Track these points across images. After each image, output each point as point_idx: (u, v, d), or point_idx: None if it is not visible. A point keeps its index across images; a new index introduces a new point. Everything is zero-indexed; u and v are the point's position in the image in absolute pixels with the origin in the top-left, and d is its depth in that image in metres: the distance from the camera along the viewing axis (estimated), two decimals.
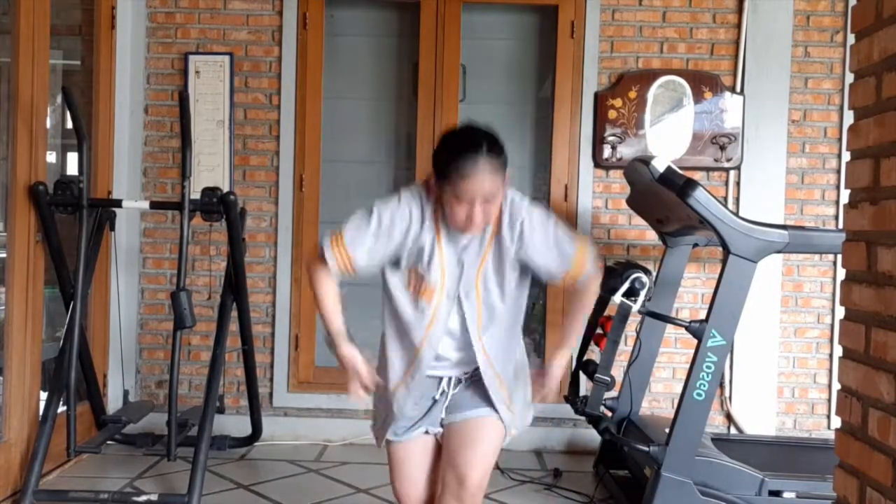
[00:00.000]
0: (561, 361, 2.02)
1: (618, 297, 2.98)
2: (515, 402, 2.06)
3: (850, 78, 1.63)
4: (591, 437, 3.61)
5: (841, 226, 3.55)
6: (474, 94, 3.86)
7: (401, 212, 1.89)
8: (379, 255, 1.91)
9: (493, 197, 1.83)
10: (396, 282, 1.96)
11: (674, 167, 2.82)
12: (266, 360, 3.77)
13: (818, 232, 3.07)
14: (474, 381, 2.02)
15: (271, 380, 3.78)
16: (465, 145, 1.83)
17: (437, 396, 2.02)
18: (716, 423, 3.71)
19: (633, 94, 3.70)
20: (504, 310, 1.98)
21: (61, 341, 2.98)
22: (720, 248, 2.79)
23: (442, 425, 2.03)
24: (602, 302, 3.34)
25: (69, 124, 3.00)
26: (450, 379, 2.03)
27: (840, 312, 1.82)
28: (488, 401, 1.99)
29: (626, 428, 3.24)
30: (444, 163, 1.83)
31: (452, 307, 1.95)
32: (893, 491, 1.33)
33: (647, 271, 3.02)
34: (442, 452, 2.02)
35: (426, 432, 2.04)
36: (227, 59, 3.73)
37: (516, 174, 3.96)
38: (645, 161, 2.90)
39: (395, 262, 1.95)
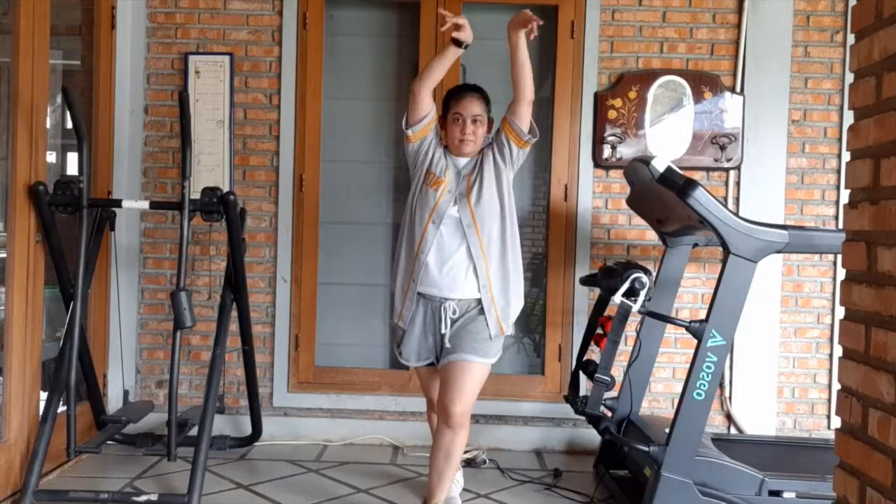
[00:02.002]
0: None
1: (618, 297, 2.98)
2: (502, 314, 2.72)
3: (850, 78, 1.63)
4: (591, 437, 3.62)
5: (841, 226, 3.55)
6: None
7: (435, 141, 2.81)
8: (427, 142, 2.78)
9: (480, 119, 2.73)
10: (418, 182, 2.76)
11: (674, 167, 2.82)
12: (266, 360, 3.77)
13: (818, 232, 3.07)
14: (468, 317, 2.70)
15: (271, 380, 3.78)
16: (460, 86, 2.89)
17: (444, 331, 2.69)
18: (716, 423, 3.71)
19: (633, 94, 3.70)
20: (492, 215, 2.69)
21: (61, 341, 2.98)
22: (720, 248, 2.79)
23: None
24: (602, 302, 3.35)
25: (69, 124, 3.00)
26: (449, 307, 2.69)
27: (840, 312, 1.82)
28: (473, 343, 2.66)
29: (626, 428, 3.24)
30: (446, 98, 2.80)
31: (451, 201, 2.69)
32: (893, 491, 1.33)
33: (647, 271, 3.02)
34: (441, 380, 2.74)
35: (432, 363, 2.81)
36: (227, 59, 3.73)
37: (516, 173, 3.96)
38: (645, 161, 2.90)
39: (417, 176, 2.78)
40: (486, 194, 2.70)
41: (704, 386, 2.69)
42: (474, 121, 2.71)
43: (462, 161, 2.78)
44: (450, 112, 2.75)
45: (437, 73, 2.66)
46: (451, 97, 2.78)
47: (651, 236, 3.63)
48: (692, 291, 3.73)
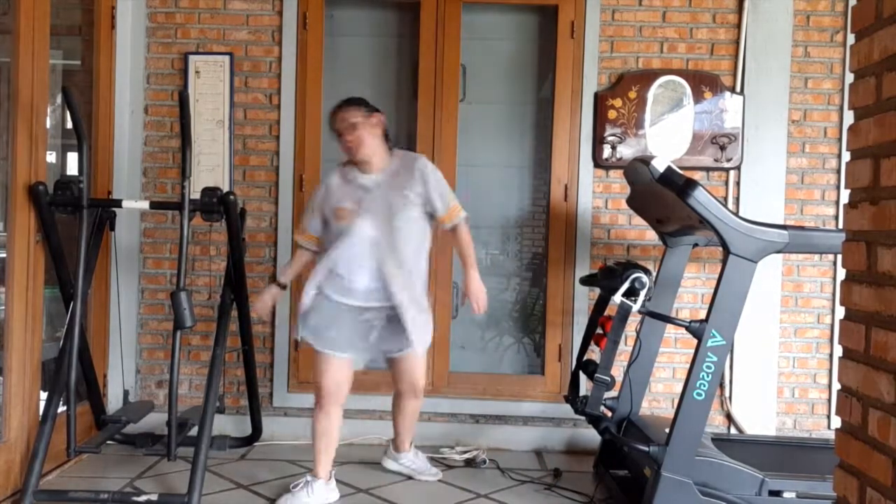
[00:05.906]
0: (474, 276, 2.96)
1: (618, 297, 2.98)
2: (418, 323, 2.88)
3: (850, 78, 1.63)
4: (591, 437, 3.62)
5: (841, 226, 3.55)
6: (474, 94, 3.86)
7: (320, 189, 3.03)
8: (319, 218, 3.00)
9: (356, 124, 2.87)
10: (331, 225, 2.93)
11: (674, 167, 2.82)
12: (266, 360, 3.77)
13: (818, 232, 3.07)
14: (391, 322, 2.86)
15: (271, 380, 3.78)
16: (337, 104, 2.98)
17: (371, 339, 2.91)
18: (716, 423, 3.71)
19: (633, 94, 3.70)
20: (405, 230, 2.86)
21: (61, 341, 2.98)
22: (720, 248, 2.79)
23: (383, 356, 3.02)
24: (602, 302, 3.35)
25: (69, 124, 2.99)
26: (369, 312, 2.87)
27: (840, 312, 1.82)
28: (407, 338, 2.87)
29: (626, 428, 3.24)
30: (329, 117, 2.99)
31: (366, 222, 2.83)
32: (893, 491, 1.33)
33: (647, 271, 3.02)
34: (394, 370, 3.08)
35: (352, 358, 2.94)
36: (227, 59, 3.73)
37: (516, 174, 3.97)
38: (645, 161, 2.90)
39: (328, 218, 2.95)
40: (397, 207, 2.89)
41: (704, 386, 2.69)
42: (352, 126, 2.86)
43: (367, 180, 2.93)
44: (333, 128, 2.95)
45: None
46: (331, 115, 2.96)
47: (651, 236, 3.63)
48: (692, 291, 3.73)
